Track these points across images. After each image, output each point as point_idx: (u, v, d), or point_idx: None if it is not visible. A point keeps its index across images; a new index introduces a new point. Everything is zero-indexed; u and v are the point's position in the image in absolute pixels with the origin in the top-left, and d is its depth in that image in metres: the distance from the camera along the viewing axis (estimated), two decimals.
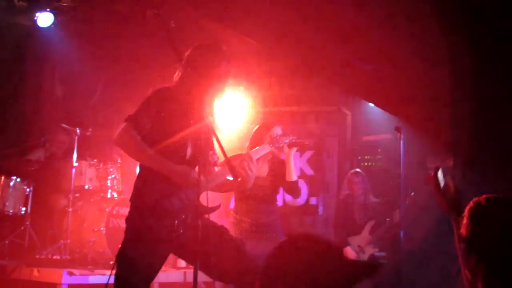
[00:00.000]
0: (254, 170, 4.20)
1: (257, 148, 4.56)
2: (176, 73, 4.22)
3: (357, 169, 8.30)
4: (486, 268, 2.29)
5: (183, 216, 4.07)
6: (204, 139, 4.10)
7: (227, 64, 4.17)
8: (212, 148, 4.30)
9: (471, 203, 2.42)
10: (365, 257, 7.77)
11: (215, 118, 4.22)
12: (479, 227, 2.31)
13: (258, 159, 5.08)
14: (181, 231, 4.04)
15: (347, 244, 7.77)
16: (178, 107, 4.10)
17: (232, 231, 5.51)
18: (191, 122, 4.02)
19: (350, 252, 7.74)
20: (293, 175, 5.70)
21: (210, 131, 4.05)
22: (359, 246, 7.79)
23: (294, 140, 5.48)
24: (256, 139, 5.75)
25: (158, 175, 3.99)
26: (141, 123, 4.01)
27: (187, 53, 4.22)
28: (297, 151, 5.73)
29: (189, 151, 4.14)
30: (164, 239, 4.00)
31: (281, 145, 5.30)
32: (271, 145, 5.17)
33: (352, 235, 7.87)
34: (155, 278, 4.29)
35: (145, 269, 4.03)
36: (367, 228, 7.91)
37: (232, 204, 6.16)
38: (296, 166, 5.82)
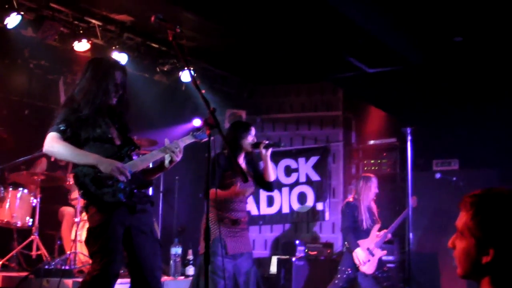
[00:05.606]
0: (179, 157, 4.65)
1: (184, 138, 4.80)
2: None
3: (369, 174, 8.30)
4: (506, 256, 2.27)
5: (133, 186, 4.47)
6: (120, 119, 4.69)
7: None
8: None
9: (471, 197, 2.39)
10: (374, 259, 7.78)
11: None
12: (491, 217, 2.29)
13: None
14: (123, 197, 4.40)
15: (356, 246, 7.77)
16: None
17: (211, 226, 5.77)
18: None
19: (360, 255, 7.73)
20: (272, 176, 6.13)
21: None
22: (368, 249, 7.79)
23: (268, 142, 6.07)
24: (234, 136, 6.11)
25: None
26: (62, 129, 4.39)
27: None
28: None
29: (114, 134, 4.61)
30: (109, 204, 4.36)
31: (262, 148, 6.00)
32: (252, 148, 6.05)
33: (360, 238, 7.88)
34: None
35: (108, 245, 4.33)
36: (374, 231, 7.92)
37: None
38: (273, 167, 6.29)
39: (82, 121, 4.46)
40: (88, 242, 4.45)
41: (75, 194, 7.71)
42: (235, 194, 5.90)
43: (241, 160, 6.13)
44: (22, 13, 7.66)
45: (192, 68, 9.10)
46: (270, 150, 6.06)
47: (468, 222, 2.32)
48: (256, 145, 6.04)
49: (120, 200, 4.39)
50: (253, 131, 6.15)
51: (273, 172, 6.15)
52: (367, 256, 7.76)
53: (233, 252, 5.86)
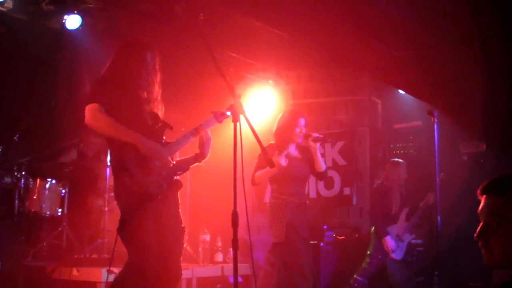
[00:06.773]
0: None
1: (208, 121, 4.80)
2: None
3: (398, 159, 8.27)
4: None
5: (164, 173, 4.42)
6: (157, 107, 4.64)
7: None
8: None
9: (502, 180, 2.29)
10: (404, 245, 7.75)
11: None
12: None
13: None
14: (165, 186, 4.40)
15: (386, 233, 7.72)
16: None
17: (278, 212, 6.10)
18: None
19: (390, 242, 7.69)
20: (322, 166, 6.24)
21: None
22: (397, 235, 7.75)
23: (317, 136, 6.17)
24: (284, 127, 6.28)
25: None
26: (102, 100, 4.31)
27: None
28: (321, 144, 6.32)
29: (147, 115, 4.53)
30: (152, 194, 4.31)
31: (310, 141, 6.12)
32: (300, 139, 6.19)
33: (388, 223, 7.84)
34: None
35: (146, 233, 4.30)
36: (403, 216, 7.88)
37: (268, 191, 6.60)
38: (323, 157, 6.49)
39: (114, 104, 4.37)
40: (123, 232, 4.34)
41: (104, 183, 7.76)
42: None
43: (293, 149, 6.26)
44: None
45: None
46: (318, 144, 6.17)
47: (508, 207, 2.20)
48: (305, 137, 6.18)
49: (162, 190, 4.38)
50: (302, 121, 6.26)
51: (323, 163, 6.28)
52: (396, 243, 7.72)
53: (304, 237, 6.09)
